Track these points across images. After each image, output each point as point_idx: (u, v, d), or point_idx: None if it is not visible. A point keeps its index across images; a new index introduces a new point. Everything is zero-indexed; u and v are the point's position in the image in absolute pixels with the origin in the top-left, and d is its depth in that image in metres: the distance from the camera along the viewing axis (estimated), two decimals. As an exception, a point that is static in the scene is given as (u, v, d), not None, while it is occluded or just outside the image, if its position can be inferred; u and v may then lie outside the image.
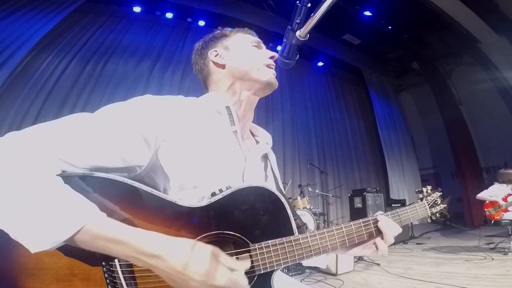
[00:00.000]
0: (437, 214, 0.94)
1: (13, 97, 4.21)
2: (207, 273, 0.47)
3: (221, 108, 0.76)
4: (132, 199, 0.55)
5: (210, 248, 0.50)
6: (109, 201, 0.52)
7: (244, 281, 0.51)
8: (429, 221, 0.94)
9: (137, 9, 5.73)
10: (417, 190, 0.98)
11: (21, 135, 0.50)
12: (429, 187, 0.97)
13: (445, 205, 0.95)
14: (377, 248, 0.74)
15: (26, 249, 0.45)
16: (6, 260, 0.51)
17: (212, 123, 0.73)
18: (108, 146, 0.56)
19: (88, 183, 0.52)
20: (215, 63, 0.81)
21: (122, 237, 0.47)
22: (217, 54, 0.81)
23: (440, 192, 0.97)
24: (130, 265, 0.53)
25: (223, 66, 0.80)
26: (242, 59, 0.80)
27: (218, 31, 0.87)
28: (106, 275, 0.52)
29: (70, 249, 0.49)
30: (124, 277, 0.52)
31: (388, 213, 0.79)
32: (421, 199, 0.93)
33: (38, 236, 0.44)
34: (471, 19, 6.30)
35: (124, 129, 0.58)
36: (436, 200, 0.94)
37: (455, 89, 7.91)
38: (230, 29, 0.87)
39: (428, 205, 0.91)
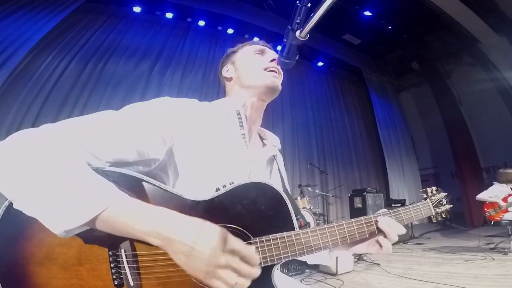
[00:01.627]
0: (442, 214, 0.93)
1: (13, 97, 4.21)
2: (211, 252, 0.47)
3: (231, 112, 0.81)
4: (141, 190, 0.59)
5: (218, 229, 0.50)
6: (123, 191, 0.56)
7: (256, 255, 0.52)
8: (434, 221, 0.93)
9: (137, 9, 5.73)
10: (421, 190, 0.97)
11: (55, 127, 0.56)
12: (433, 188, 0.96)
13: (451, 205, 0.94)
14: (381, 246, 0.74)
15: (39, 240, 0.48)
16: (18, 250, 0.54)
17: (222, 126, 0.78)
18: (129, 142, 0.62)
19: (104, 176, 0.56)
20: (225, 78, 0.93)
21: (143, 210, 0.50)
22: (227, 70, 0.92)
23: (445, 193, 0.95)
24: (135, 255, 0.56)
25: (230, 79, 0.91)
26: (243, 68, 0.88)
27: (230, 50, 0.97)
28: (112, 265, 0.55)
29: (79, 239, 0.53)
30: (129, 267, 0.55)
31: (391, 211, 0.79)
32: (425, 199, 0.93)
33: (66, 215, 0.47)
34: (471, 19, 6.29)
35: (144, 126, 0.64)
36: (441, 200, 0.92)
37: (455, 89, 7.91)
38: (241, 44, 0.96)
39: (432, 204, 0.91)
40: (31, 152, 0.50)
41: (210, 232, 0.49)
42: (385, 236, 0.73)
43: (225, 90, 0.95)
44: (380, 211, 0.79)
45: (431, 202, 0.91)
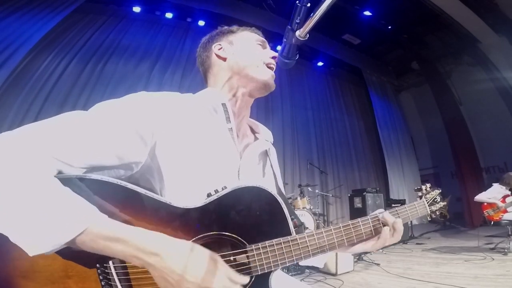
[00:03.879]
0: (436, 212, 0.92)
1: (13, 97, 4.21)
2: (203, 277, 0.47)
3: (217, 105, 0.75)
4: (127, 201, 0.54)
5: (208, 252, 0.51)
6: (105, 203, 0.52)
7: None
8: (428, 219, 0.93)
9: (137, 9, 5.73)
10: (416, 188, 0.96)
11: (15, 135, 0.49)
12: (428, 185, 0.95)
13: (445, 203, 0.93)
14: (378, 238, 0.73)
15: (20, 252, 0.44)
16: (2, 263, 0.51)
17: (207, 120, 0.73)
18: (103, 144, 0.55)
19: (83, 186, 0.52)
20: (217, 56, 0.82)
21: (123, 235, 0.47)
22: (221, 48, 0.82)
23: (439, 190, 0.95)
24: (125, 267, 0.53)
25: (224, 59, 0.81)
26: (243, 54, 0.80)
27: (226, 27, 0.88)
28: (100, 277, 0.52)
29: (64, 252, 0.49)
30: (119, 279, 0.52)
31: (387, 211, 0.78)
32: (420, 197, 0.92)
33: (39, 239, 0.43)
34: (471, 19, 6.29)
35: (120, 126, 0.58)
36: (435, 198, 0.92)
37: (455, 89, 7.91)
38: (237, 26, 0.88)
39: (427, 203, 0.90)
40: None
41: (199, 261, 0.49)
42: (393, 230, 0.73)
43: (211, 71, 0.84)
44: (377, 211, 0.78)
45: (426, 200, 0.91)
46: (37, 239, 0.44)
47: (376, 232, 0.74)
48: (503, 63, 6.63)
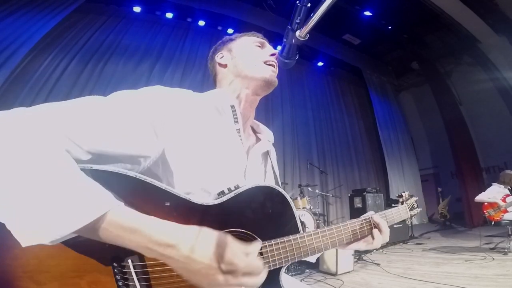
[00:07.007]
0: (413, 217, 1.07)
1: (13, 97, 4.21)
2: (213, 257, 0.45)
3: (225, 106, 0.77)
4: (144, 194, 0.53)
5: (216, 233, 0.48)
6: (120, 196, 0.50)
7: (259, 263, 0.48)
8: (407, 223, 1.04)
9: (137, 9, 5.74)
10: (397, 194, 1.10)
11: (29, 111, 0.48)
12: (407, 192, 1.09)
13: (421, 209, 1.09)
14: (373, 238, 0.80)
15: (25, 250, 0.40)
16: (8, 262, 0.47)
17: (216, 120, 0.74)
18: (116, 131, 0.54)
19: (99, 177, 0.48)
20: (219, 64, 0.88)
21: (137, 225, 0.44)
22: (222, 56, 0.88)
23: (416, 197, 1.10)
24: (145, 265, 0.51)
25: (225, 66, 0.86)
26: (241, 57, 0.84)
27: (227, 37, 0.94)
28: (117, 277, 0.49)
29: (75, 250, 0.47)
30: (138, 279, 0.50)
31: (378, 214, 0.86)
32: (402, 203, 1.04)
33: (45, 225, 0.39)
34: (471, 19, 6.30)
35: (134, 116, 0.58)
36: (413, 204, 1.06)
37: (455, 89, 7.91)
38: (239, 34, 0.93)
39: (408, 208, 1.03)
40: (3, 142, 0.41)
41: (207, 241, 0.46)
42: (379, 231, 0.80)
43: (216, 79, 0.89)
44: (369, 213, 0.85)
45: (407, 206, 1.03)
46: (43, 225, 0.39)
47: (369, 232, 0.81)
48: (503, 63, 6.64)
